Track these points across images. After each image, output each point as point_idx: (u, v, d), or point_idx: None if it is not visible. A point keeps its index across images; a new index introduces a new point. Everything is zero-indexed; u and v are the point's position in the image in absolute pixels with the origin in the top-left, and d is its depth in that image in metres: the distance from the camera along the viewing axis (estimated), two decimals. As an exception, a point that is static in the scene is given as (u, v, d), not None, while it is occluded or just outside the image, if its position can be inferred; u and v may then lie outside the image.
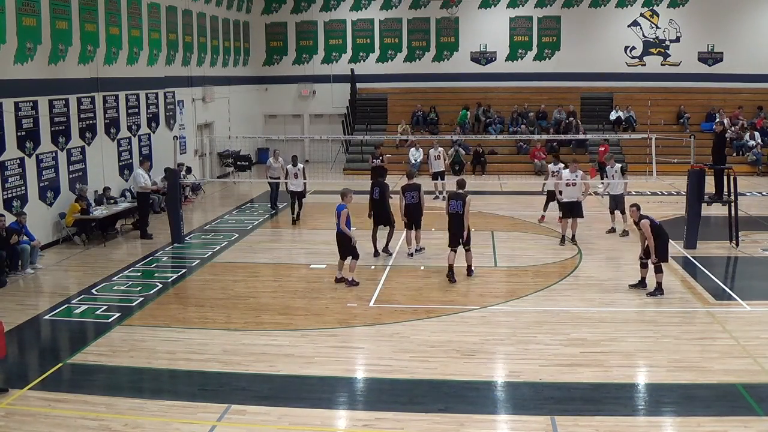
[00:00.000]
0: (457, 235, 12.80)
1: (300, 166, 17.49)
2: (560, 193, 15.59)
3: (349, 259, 12.63)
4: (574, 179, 15.36)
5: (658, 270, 11.85)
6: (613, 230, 16.24)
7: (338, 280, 12.65)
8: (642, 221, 11.85)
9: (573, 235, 15.47)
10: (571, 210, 15.38)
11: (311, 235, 16.67)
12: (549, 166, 17.55)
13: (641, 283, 12.10)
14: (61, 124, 16.35)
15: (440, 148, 21.31)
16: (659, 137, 18.97)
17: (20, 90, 14.89)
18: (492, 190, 22.53)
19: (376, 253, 14.49)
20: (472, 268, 13.15)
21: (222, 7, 26.82)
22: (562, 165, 17.18)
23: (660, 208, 19.04)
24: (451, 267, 12.83)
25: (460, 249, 12.92)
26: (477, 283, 12.89)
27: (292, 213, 17.75)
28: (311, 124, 31.00)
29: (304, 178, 17.87)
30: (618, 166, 16.65)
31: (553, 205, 17.23)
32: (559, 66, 29.51)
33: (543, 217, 17.73)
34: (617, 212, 16.23)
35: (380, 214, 14.53)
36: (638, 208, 12.18)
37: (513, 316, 10.98)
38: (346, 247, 12.53)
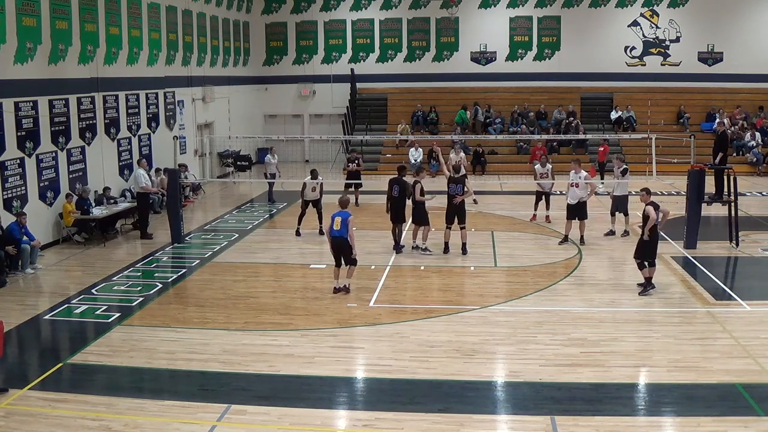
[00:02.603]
0: (458, 215, 14.33)
1: (320, 179, 16.72)
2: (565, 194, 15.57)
3: (347, 266, 12.25)
4: (578, 180, 15.36)
5: (641, 267, 11.90)
6: (611, 233, 16.17)
7: (337, 290, 12.15)
8: (647, 207, 11.73)
9: (582, 237, 15.42)
10: (577, 212, 15.36)
11: (311, 236, 16.64)
12: (536, 168, 17.63)
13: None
14: (61, 124, 16.35)
15: (462, 154, 20.89)
16: (659, 137, 18.98)
17: (20, 90, 14.88)
18: (492, 190, 22.53)
19: (398, 249, 14.88)
20: (467, 246, 14.53)
21: (222, 7, 26.83)
22: (551, 167, 17.30)
23: (660, 208, 19.04)
24: (446, 243, 14.60)
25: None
26: (477, 283, 12.91)
27: (299, 223, 16.61)
28: (311, 124, 31.00)
29: (321, 193, 16.85)
30: (623, 167, 16.52)
31: (542, 204, 17.67)
32: (559, 66, 29.51)
33: (534, 216, 17.79)
34: (620, 215, 16.14)
35: (398, 212, 14.78)
36: (648, 193, 12.09)
37: (513, 316, 10.97)
38: (347, 255, 12.13)
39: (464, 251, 14.52)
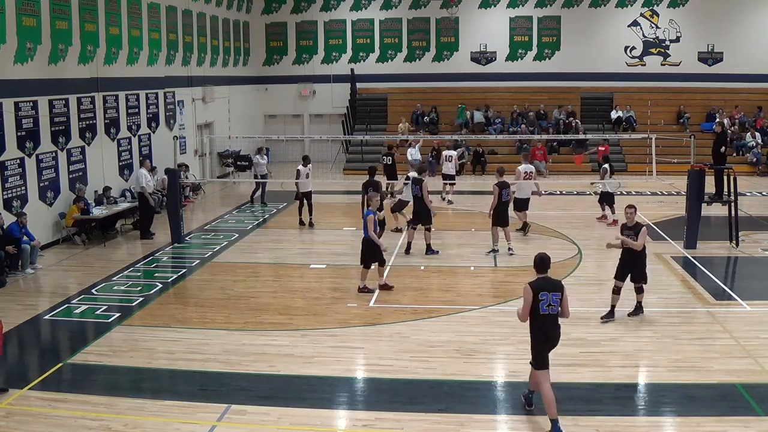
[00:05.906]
0: (420, 214, 14.56)
1: (310, 166, 17.20)
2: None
3: (375, 265, 12.16)
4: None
5: (640, 291, 10.85)
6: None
7: (361, 290, 12.08)
8: (643, 229, 10.50)
9: (524, 224, 16.18)
10: (522, 206, 16.23)
11: (311, 235, 16.64)
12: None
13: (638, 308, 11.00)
14: (61, 124, 16.34)
15: (453, 152, 20.80)
16: (659, 137, 18.97)
17: (20, 90, 14.88)
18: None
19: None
20: (431, 247, 14.65)
21: (222, 7, 26.82)
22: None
23: (660, 208, 19.05)
24: (409, 244, 14.68)
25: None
26: (477, 283, 12.91)
27: (300, 214, 17.06)
28: (311, 124, 31.00)
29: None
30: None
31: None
32: (559, 66, 29.49)
33: (604, 216, 17.30)
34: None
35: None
36: (635, 211, 10.83)
37: (513, 316, 10.85)
38: (373, 254, 12.05)
39: (428, 251, 14.59)
